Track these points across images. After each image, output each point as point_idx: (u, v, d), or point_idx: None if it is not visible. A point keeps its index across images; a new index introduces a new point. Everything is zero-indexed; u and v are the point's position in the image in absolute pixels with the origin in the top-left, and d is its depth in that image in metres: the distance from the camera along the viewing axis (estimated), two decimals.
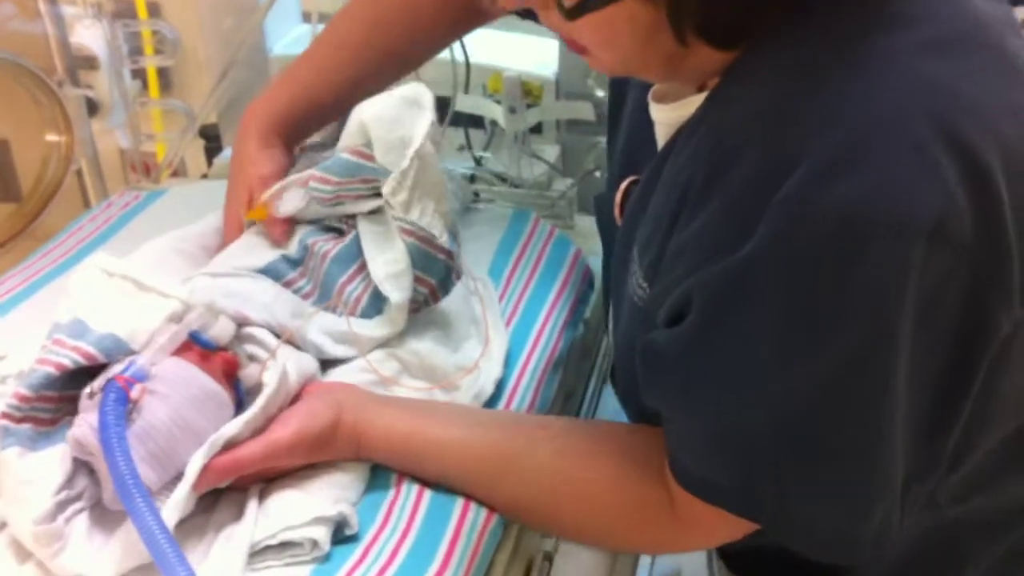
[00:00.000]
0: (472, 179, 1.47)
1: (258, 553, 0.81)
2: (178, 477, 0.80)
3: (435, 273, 0.99)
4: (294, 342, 0.94)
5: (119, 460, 0.75)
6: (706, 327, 0.72)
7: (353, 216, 1.03)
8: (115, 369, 0.82)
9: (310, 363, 0.94)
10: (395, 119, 0.98)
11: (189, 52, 1.61)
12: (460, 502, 0.88)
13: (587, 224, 1.43)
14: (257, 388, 0.86)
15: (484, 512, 0.89)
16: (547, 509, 0.89)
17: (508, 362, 1.04)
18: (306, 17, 1.70)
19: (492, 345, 1.02)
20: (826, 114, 0.65)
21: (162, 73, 1.75)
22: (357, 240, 1.02)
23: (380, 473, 0.90)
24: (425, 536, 0.84)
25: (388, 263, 0.98)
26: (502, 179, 1.47)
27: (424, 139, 0.96)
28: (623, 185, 0.91)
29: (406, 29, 1.13)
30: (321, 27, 1.61)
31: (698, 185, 0.72)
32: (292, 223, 1.05)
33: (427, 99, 0.99)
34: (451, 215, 0.99)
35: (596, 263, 1.31)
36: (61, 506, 0.78)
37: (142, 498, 0.73)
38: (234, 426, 0.82)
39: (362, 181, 1.00)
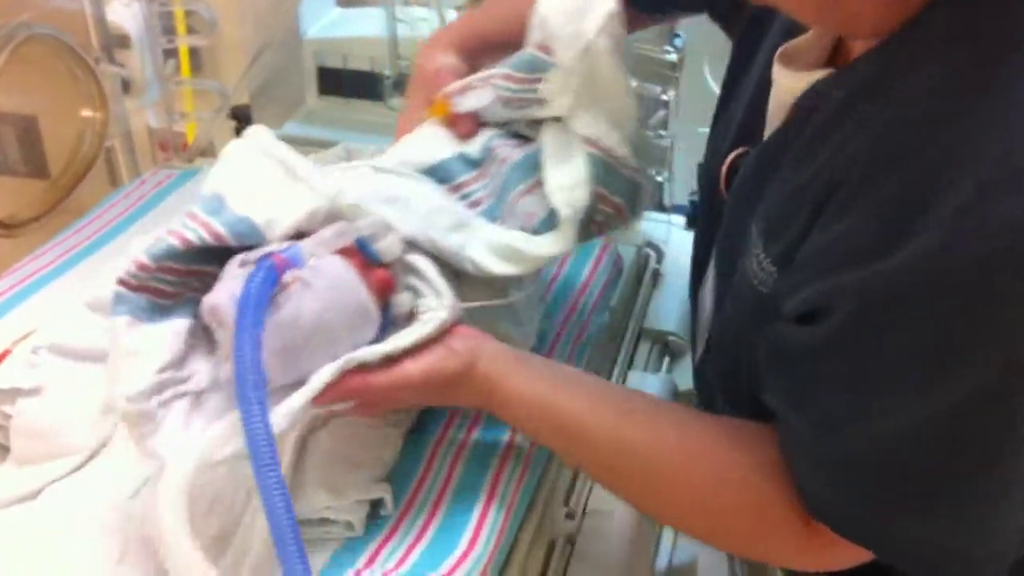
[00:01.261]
0: None
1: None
2: (296, 384, 0.74)
3: (621, 191, 0.87)
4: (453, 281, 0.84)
5: (246, 345, 0.69)
6: (846, 333, 0.68)
7: (542, 123, 0.92)
8: (273, 247, 0.76)
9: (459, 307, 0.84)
10: (575, 10, 0.85)
11: (222, 33, 1.62)
12: (489, 478, 0.89)
13: None
14: (402, 318, 0.80)
15: (511, 491, 0.89)
16: (664, 500, 0.83)
17: (540, 338, 1.04)
18: (340, 1, 1.71)
19: (523, 319, 1.02)
20: (997, 122, 0.62)
21: (193, 53, 1.75)
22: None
23: (412, 446, 0.91)
24: (454, 514, 0.85)
25: (565, 175, 0.86)
26: None
27: (597, 33, 0.83)
28: (730, 158, 0.87)
29: None
30: (354, 11, 1.62)
31: (852, 183, 0.68)
32: (478, 124, 0.95)
33: None
34: (633, 125, 0.86)
35: (627, 252, 1.32)
36: (161, 386, 0.74)
37: (256, 394, 0.67)
38: (371, 352, 0.76)
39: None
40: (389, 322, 0.80)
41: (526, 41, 0.90)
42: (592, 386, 0.86)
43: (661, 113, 1.42)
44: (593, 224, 0.87)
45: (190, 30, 1.58)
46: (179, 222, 0.77)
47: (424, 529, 0.84)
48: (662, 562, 1.53)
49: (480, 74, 0.93)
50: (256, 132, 0.82)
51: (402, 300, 0.80)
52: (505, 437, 0.94)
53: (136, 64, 1.48)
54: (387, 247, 0.79)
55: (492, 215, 0.90)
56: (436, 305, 0.80)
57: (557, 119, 0.89)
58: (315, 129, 1.55)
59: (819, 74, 0.75)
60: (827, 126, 0.73)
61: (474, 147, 0.93)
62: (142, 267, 0.75)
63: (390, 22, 1.49)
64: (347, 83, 1.56)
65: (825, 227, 0.69)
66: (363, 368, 0.76)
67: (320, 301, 0.74)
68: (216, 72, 1.69)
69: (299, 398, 0.71)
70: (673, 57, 1.37)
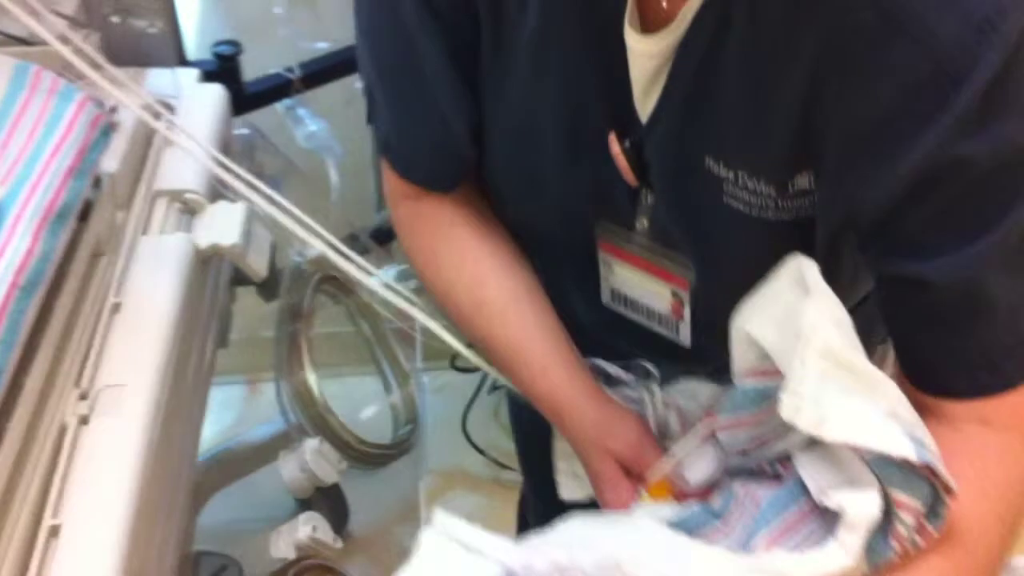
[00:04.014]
0: None
1: None
2: None
3: (919, 493, 0.70)
4: None
5: None
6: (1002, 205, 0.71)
7: (788, 457, 0.79)
8: None
9: None
10: (784, 315, 0.74)
11: None
12: None
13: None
14: None
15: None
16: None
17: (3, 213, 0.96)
18: None
19: None
20: None
21: None
22: (801, 481, 0.76)
23: None
24: None
25: (843, 478, 0.72)
26: (13, 37, 1.34)
27: (817, 332, 0.70)
28: (615, 146, 0.85)
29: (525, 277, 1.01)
30: None
31: (843, 59, 0.69)
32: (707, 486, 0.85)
33: (812, 275, 0.74)
34: (905, 410, 0.72)
35: (127, 115, 1.23)
36: None
37: None
38: None
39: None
40: None
41: (735, 366, 0.80)
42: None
43: None
44: (893, 539, 0.71)
45: None
46: None
47: None
48: None
49: (697, 435, 0.84)
50: (438, 518, 0.76)
51: None
52: None
53: None
54: None
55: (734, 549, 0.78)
56: None
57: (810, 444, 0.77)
58: None
59: (681, 21, 0.75)
60: (766, 23, 0.72)
61: (715, 500, 0.82)
62: None
63: None
64: None
65: (838, 107, 0.71)
66: None
67: None
68: None
69: None
70: None
